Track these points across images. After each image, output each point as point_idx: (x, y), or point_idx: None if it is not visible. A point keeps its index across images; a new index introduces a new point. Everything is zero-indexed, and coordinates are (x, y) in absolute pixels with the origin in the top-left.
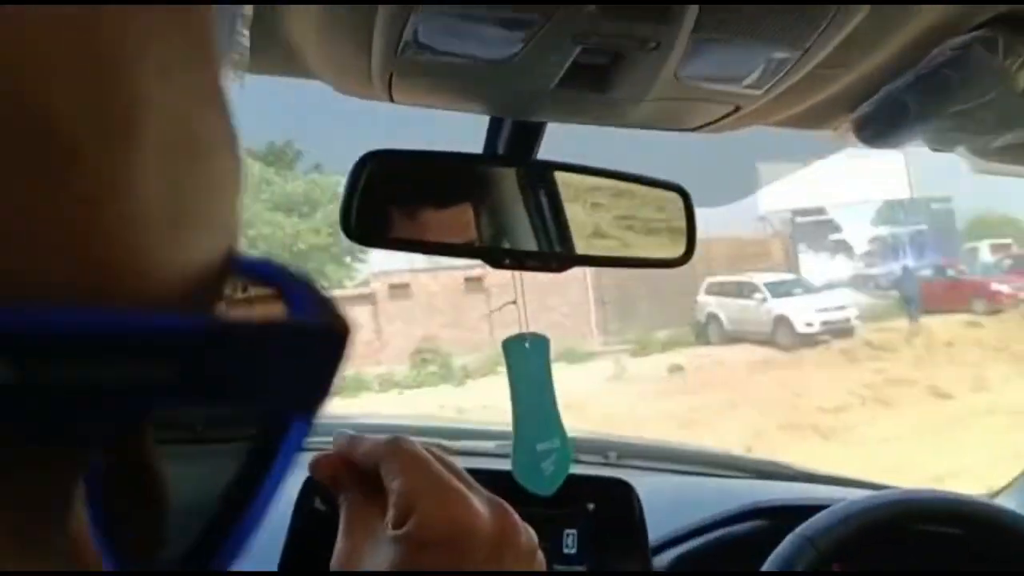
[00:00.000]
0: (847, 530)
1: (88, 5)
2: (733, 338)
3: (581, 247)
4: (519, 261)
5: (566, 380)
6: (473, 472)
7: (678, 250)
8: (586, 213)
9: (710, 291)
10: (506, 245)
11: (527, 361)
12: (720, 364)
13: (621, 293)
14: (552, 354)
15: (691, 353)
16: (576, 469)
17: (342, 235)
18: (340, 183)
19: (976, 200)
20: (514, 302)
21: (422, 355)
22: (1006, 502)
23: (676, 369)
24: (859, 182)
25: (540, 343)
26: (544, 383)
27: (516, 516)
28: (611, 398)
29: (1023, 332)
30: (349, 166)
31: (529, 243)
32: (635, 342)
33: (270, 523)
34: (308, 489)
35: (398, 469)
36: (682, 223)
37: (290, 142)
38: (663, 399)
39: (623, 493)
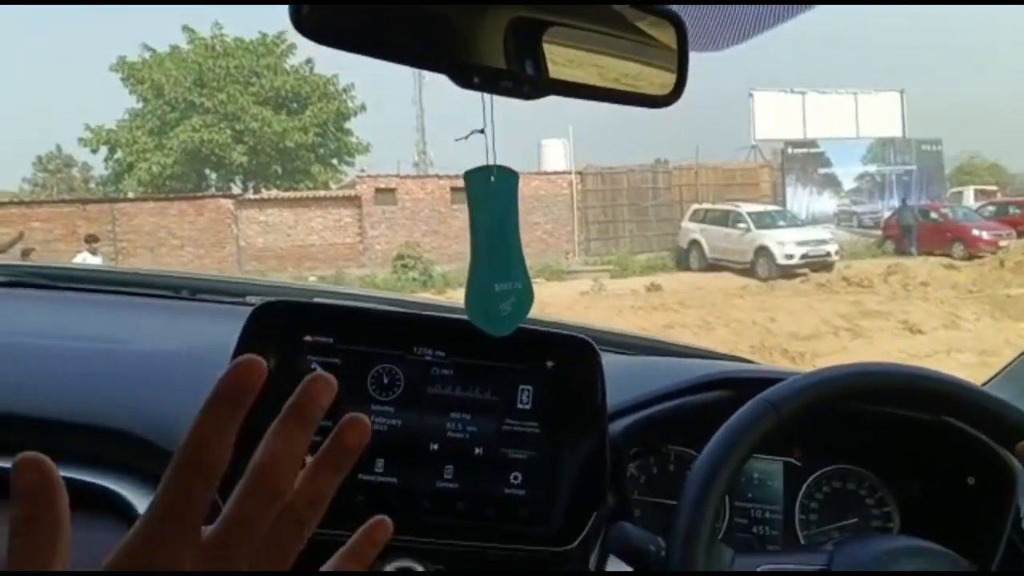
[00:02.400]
0: (812, 398)
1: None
2: (713, 265)
3: (560, 73)
4: (491, 81)
5: (542, 294)
6: (431, 321)
7: (666, 87)
8: (569, 36)
9: (694, 218)
10: (477, 62)
11: (491, 196)
12: (699, 288)
13: (605, 214)
14: (532, 271)
15: (671, 278)
16: None
17: (329, 135)
18: (330, 81)
19: (966, 144)
20: (482, 131)
21: (403, 261)
22: (995, 391)
23: (654, 288)
24: (854, 117)
25: (507, 176)
26: (508, 221)
27: None
28: (586, 312)
29: (999, 277)
30: (342, 63)
31: (502, 63)
32: (616, 264)
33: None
34: (250, 343)
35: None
36: (673, 56)
37: (282, 33)
38: (638, 315)
39: (585, 353)
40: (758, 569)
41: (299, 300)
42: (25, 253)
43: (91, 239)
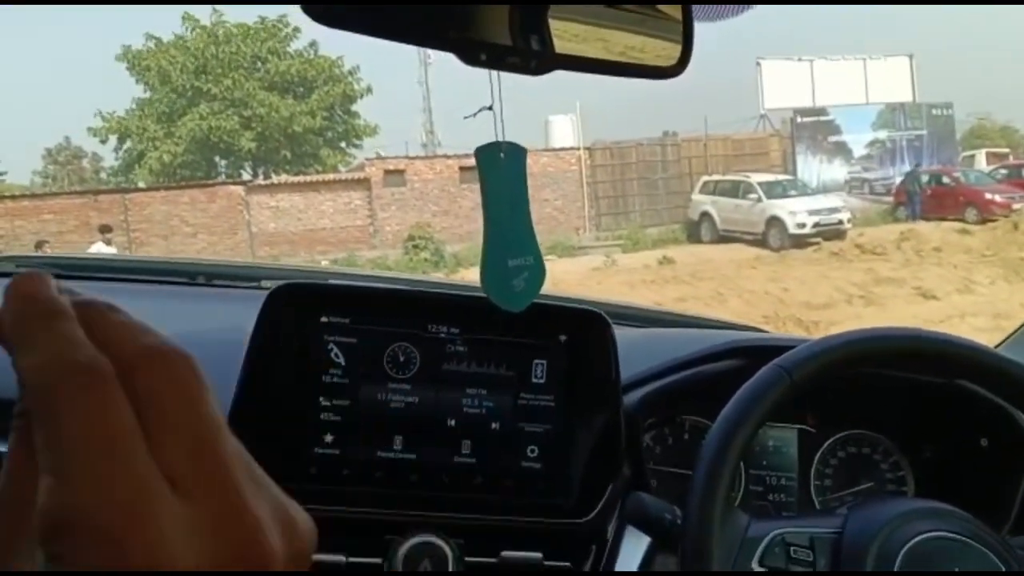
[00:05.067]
0: (825, 363)
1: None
2: (725, 237)
3: (566, 48)
4: (497, 58)
5: (554, 271)
6: (445, 299)
7: (672, 58)
8: (574, 10)
9: (704, 190)
10: (483, 39)
11: (501, 172)
12: (710, 261)
13: (615, 189)
14: (543, 247)
15: (682, 251)
16: None
17: (336, 118)
18: (335, 64)
19: (977, 107)
20: (490, 108)
21: (415, 242)
22: (1008, 353)
23: (666, 261)
24: (863, 83)
25: (516, 153)
26: (519, 196)
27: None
28: (598, 288)
29: (1012, 240)
30: (346, 44)
31: (508, 39)
32: (627, 238)
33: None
34: (268, 326)
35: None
36: (678, 27)
37: (284, 16)
38: (650, 289)
39: (597, 326)
40: (771, 533)
41: (315, 282)
42: (39, 245)
43: (105, 229)
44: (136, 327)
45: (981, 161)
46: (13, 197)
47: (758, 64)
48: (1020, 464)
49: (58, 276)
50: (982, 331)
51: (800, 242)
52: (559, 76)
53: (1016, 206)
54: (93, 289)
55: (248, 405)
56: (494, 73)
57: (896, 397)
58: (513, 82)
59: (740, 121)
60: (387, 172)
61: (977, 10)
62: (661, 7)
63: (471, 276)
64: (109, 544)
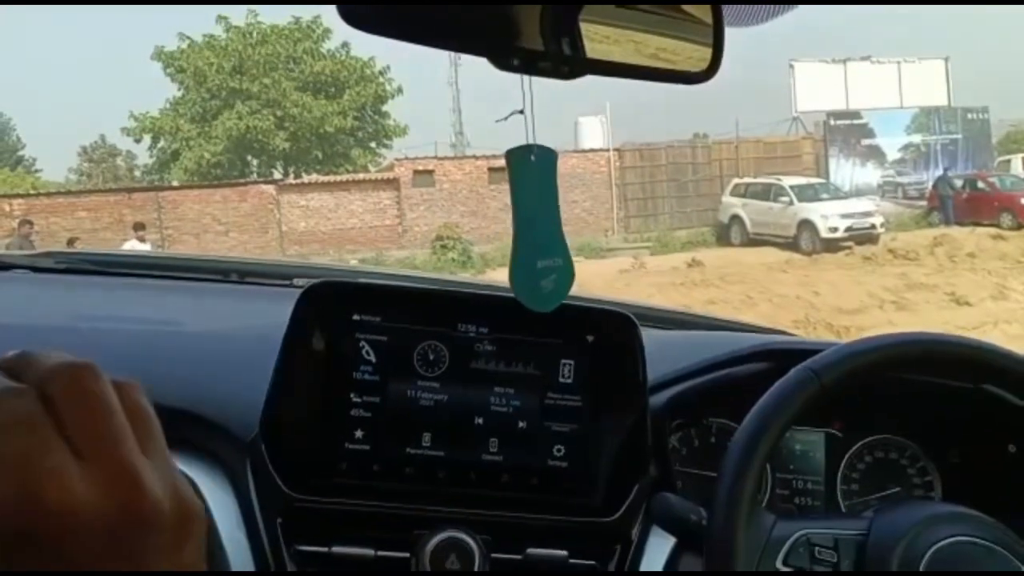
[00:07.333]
0: (854, 366)
1: None
2: (755, 240)
3: (597, 52)
4: (529, 62)
5: (582, 272)
6: (475, 298)
7: (703, 62)
8: (605, 13)
9: (735, 192)
10: (516, 44)
11: (531, 174)
12: (740, 264)
13: (644, 191)
14: (571, 248)
15: (712, 253)
16: None
17: (367, 118)
18: (367, 64)
19: (1013, 111)
20: (521, 111)
21: (443, 242)
22: None
23: (695, 264)
24: (897, 86)
25: (547, 156)
26: (548, 199)
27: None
28: (626, 289)
29: None
30: (378, 45)
31: (539, 43)
32: (655, 240)
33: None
34: (301, 323)
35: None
36: (709, 31)
37: (317, 17)
38: (679, 291)
39: (625, 327)
40: (796, 533)
41: (347, 280)
42: (71, 242)
43: (139, 227)
44: (47, 356)
45: (1017, 166)
46: (48, 194)
47: (791, 66)
48: None
49: (95, 272)
50: (1016, 338)
51: (832, 246)
52: (589, 78)
53: None
54: (130, 285)
55: (281, 401)
56: (525, 76)
57: (924, 402)
58: (542, 83)
59: (772, 123)
60: (416, 172)
61: (1015, 11)
62: (691, 10)
63: (499, 277)
64: (30, 499)
